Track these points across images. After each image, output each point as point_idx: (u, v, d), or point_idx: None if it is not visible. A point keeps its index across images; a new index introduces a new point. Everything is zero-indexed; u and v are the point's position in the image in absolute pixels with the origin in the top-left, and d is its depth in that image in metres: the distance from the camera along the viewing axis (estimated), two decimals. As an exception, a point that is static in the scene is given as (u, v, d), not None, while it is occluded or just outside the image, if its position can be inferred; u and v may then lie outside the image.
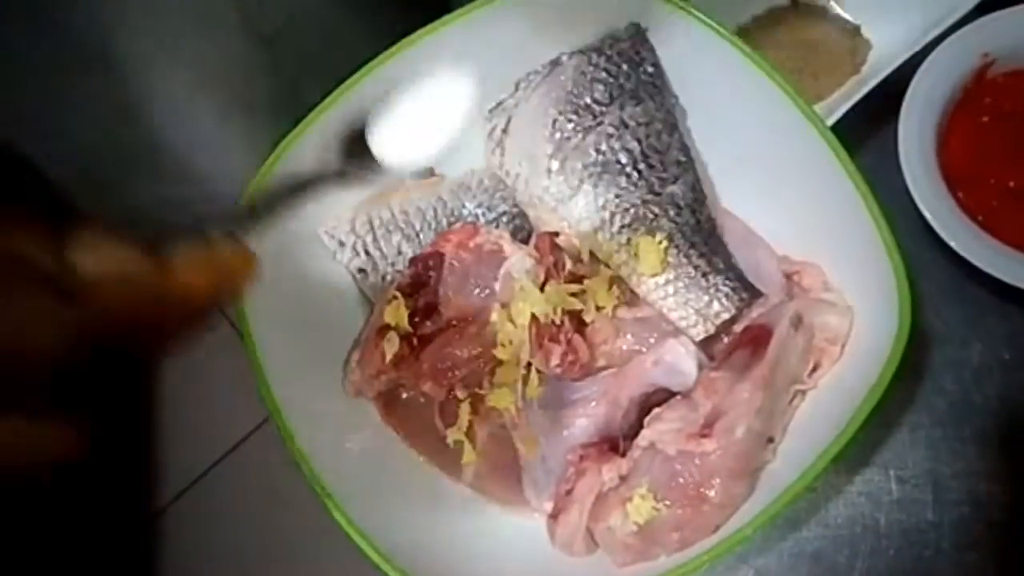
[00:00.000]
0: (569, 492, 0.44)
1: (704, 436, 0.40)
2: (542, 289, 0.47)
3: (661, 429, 0.41)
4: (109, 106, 0.42)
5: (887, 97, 0.50)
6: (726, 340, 0.46)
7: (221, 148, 0.44)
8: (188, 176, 0.47)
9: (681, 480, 0.41)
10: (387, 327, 0.46)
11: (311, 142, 0.49)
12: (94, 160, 0.45)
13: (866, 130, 0.54)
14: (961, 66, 0.50)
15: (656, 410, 0.43)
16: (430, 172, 0.54)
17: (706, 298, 0.45)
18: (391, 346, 0.45)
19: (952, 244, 0.46)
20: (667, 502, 0.41)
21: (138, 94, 0.42)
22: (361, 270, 0.50)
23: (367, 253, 0.50)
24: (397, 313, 0.46)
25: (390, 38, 0.50)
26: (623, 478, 0.43)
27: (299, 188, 0.36)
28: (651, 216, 0.47)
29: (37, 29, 0.37)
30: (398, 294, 0.47)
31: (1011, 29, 0.49)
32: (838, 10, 0.58)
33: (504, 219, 0.52)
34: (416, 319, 0.47)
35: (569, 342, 0.46)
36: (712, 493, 0.40)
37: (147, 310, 0.22)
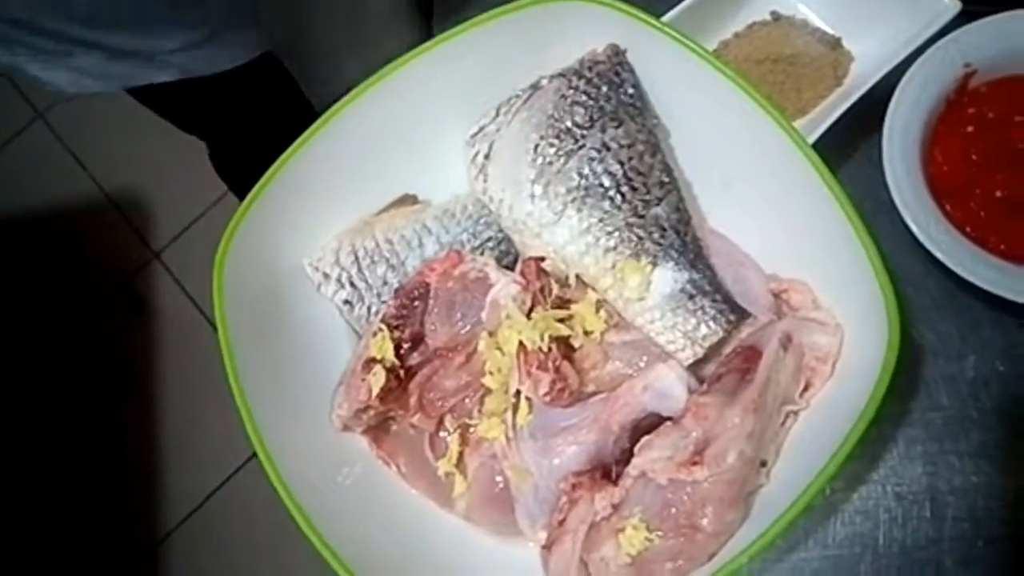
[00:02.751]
0: (562, 522, 0.43)
1: (695, 464, 0.39)
2: (529, 316, 0.46)
3: (652, 457, 0.41)
4: None
5: (871, 110, 0.50)
6: (716, 362, 0.46)
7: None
8: None
9: (673, 509, 0.40)
10: (373, 360, 0.46)
11: (291, 176, 0.49)
12: None
13: (852, 143, 0.54)
14: (943, 77, 0.49)
15: (646, 438, 0.42)
16: (414, 199, 0.54)
17: (693, 321, 0.45)
18: (377, 380, 0.45)
19: (941, 257, 0.46)
20: (660, 532, 0.40)
21: None
22: (347, 302, 0.50)
23: (352, 284, 0.50)
24: (383, 346, 0.46)
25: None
26: (616, 507, 0.42)
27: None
28: (636, 239, 0.46)
29: None
30: (383, 326, 0.46)
31: (991, 39, 0.49)
32: (819, 23, 0.57)
33: (490, 245, 0.52)
34: (403, 351, 0.47)
35: (558, 369, 0.45)
36: (705, 522, 0.39)
37: None
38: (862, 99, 0.51)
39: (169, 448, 1.29)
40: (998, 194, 0.48)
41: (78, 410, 1.32)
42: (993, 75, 0.50)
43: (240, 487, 1.26)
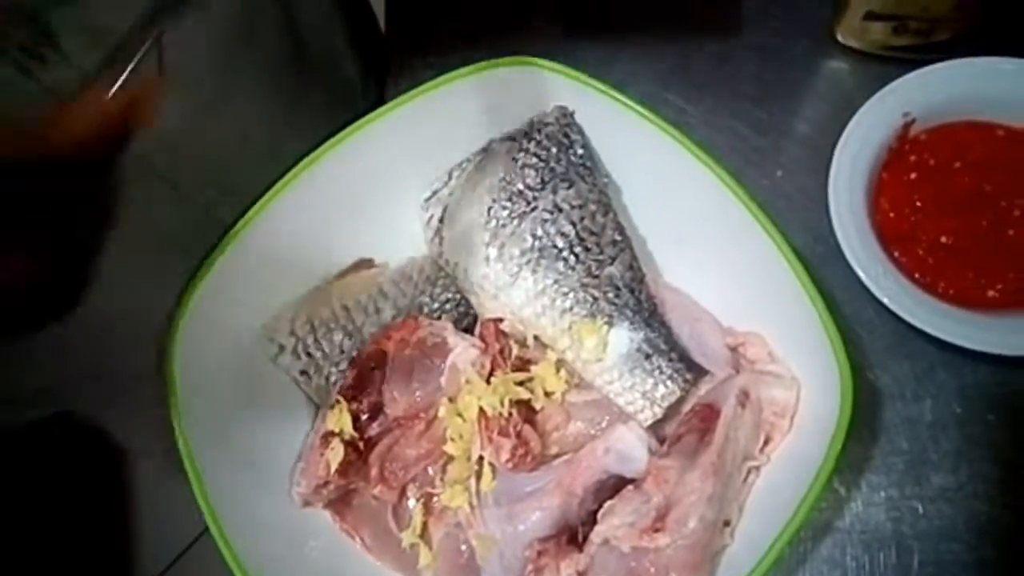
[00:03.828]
0: (528, 591, 0.43)
1: (656, 530, 0.39)
2: (489, 380, 0.46)
3: (614, 524, 0.41)
4: None
5: (817, 158, 0.51)
6: (676, 421, 0.46)
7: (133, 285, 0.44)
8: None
9: None
10: (331, 434, 0.45)
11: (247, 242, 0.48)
12: None
13: (801, 190, 0.55)
14: (884, 126, 0.50)
15: (608, 503, 0.42)
16: (370, 263, 0.54)
17: (651, 381, 0.45)
18: (335, 455, 0.44)
19: (890, 305, 0.46)
20: (625, 599, 0.40)
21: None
22: (303, 372, 0.49)
23: (308, 355, 0.49)
24: (340, 419, 0.45)
25: (311, 142, 0.49)
26: (581, 574, 0.41)
27: None
28: (591, 299, 0.47)
29: None
30: (340, 399, 0.46)
31: (928, 88, 0.50)
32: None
33: (448, 306, 0.52)
34: (361, 421, 0.46)
35: (519, 434, 0.45)
36: (670, 587, 0.39)
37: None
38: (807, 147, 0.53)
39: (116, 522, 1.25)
40: (944, 240, 0.49)
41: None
42: (932, 123, 0.51)
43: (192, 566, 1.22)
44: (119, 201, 0.42)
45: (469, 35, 0.60)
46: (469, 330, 0.51)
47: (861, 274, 0.47)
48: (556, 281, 0.47)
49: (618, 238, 0.48)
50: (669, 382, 0.44)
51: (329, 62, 0.56)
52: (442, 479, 0.47)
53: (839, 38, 0.57)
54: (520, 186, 0.49)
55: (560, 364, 0.47)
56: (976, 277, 0.48)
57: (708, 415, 0.43)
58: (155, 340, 0.47)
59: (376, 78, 0.63)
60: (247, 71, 0.46)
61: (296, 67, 0.51)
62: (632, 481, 0.44)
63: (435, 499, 0.47)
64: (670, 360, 0.45)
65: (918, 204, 0.50)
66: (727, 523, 0.42)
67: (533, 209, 0.48)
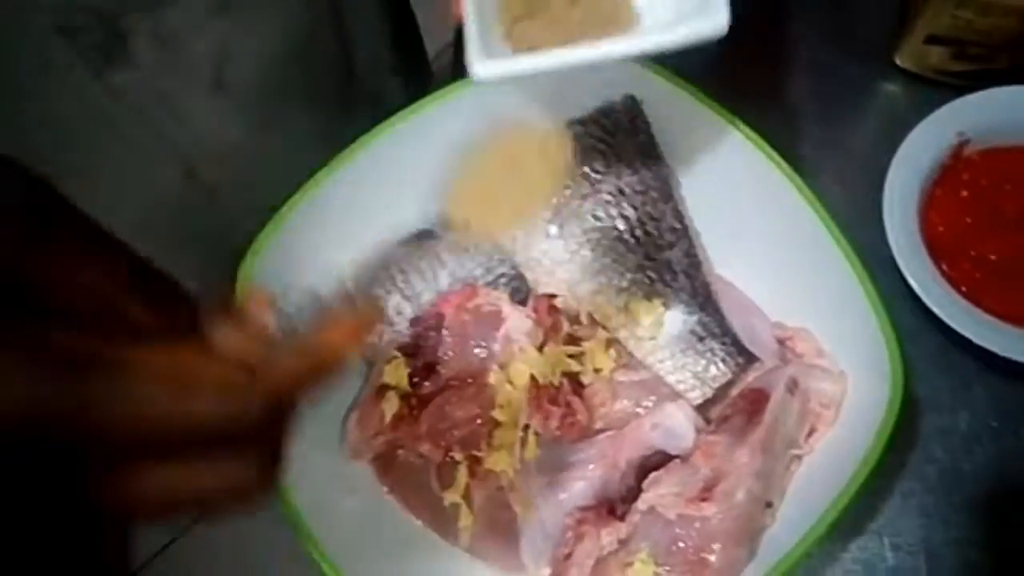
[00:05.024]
0: (568, 556, 0.43)
1: (704, 500, 0.40)
2: (540, 350, 0.47)
3: (661, 493, 0.41)
4: None
5: (871, 173, 0.53)
6: (722, 404, 0.47)
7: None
8: None
9: (681, 544, 0.40)
10: (386, 387, 0.46)
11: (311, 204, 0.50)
12: None
13: (852, 204, 0.56)
14: (938, 145, 0.52)
15: (655, 473, 0.43)
16: (430, 234, 0.55)
17: (703, 362, 0.46)
18: (391, 406, 0.45)
19: (939, 313, 0.48)
20: (667, 567, 0.41)
21: None
22: (360, 330, 0.50)
23: (367, 313, 0.50)
24: (397, 373, 0.46)
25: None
26: (622, 542, 0.42)
27: None
28: (648, 280, 0.48)
29: None
30: (398, 354, 0.47)
31: (983, 110, 0.52)
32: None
33: (502, 280, 0.53)
34: (415, 379, 0.47)
35: (568, 404, 0.46)
36: (713, 558, 0.40)
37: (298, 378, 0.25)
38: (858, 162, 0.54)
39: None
40: (992, 257, 0.50)
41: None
42: (985, 145, 0.53)
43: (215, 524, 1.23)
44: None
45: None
46: (522, 304, 0.52)
47: (912, 281, 0.49)
48: (615, 260, 0.49)
49: (677, 225, 0.50)
50: (721, 364, 0.46)
51: (375, 84, 0.58)
52: (488, 443, 0.48)
53: (897, 61, 0.59)
54: (586, 168, 0.51)
55: (610, 343, 0.48)
56: (1021, 294, 0.49)
57: (757, 398, 0.44)
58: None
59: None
60: (299, 92, 0.48)
61: (342, 89, 0.53)
62: (675, 458, 0.45)
63: (480, 462, 0.48)
64: (723, 343, 0.46)
65: (968, 221, 0.52)
66: (769, 504, 0.43)
67: (597, 191, 0.50)
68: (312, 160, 0.51)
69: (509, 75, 0.37)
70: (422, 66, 0.67)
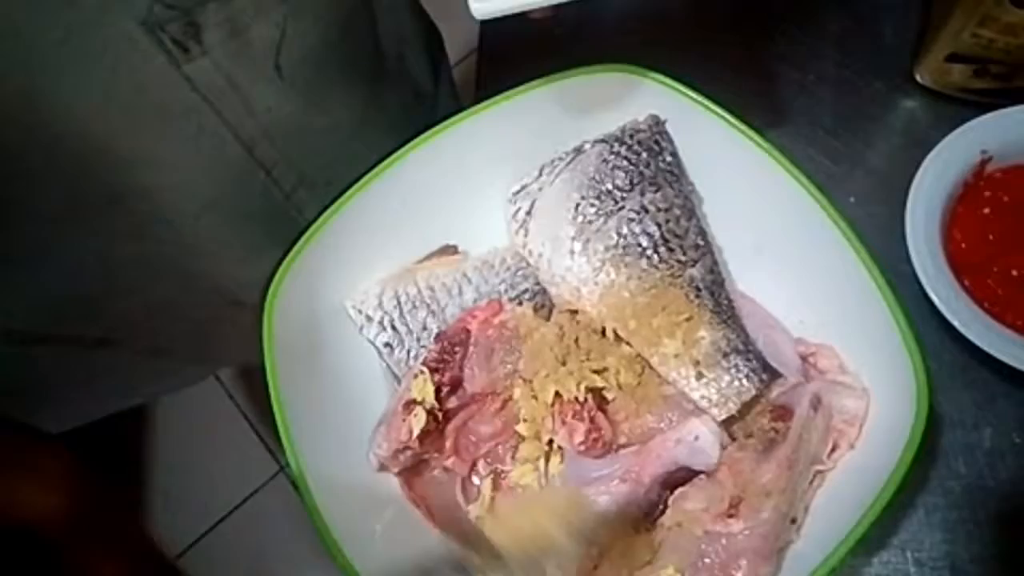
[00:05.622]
0: (593, 569, 0.44)
1: (731, 516, 0.40)
2: (564, 365, 0.48)
3: (688, 508, 0.42)
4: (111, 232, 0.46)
5: (893, 188, 0.53)
6: (745, 420, 0.47)
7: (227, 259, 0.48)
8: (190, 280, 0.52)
9: (708, 560, 0.41)
10: (413, 402, 0.47)
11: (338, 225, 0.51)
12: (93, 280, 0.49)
13: (875, 219, 0.56)
14: (961, 162, 0.52)
15: (681, 489, 0.44)
16: (454, 249, 0.56)
17: (727, 378, 0.46)
18: (418, 421, 0.46)
19: (960, 328, 0.48)
20: (694, 582, 0.41)
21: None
22: (387, 345, 0.51)
23: (393, 328, 0.51)
24: (424, 388, 0.47)
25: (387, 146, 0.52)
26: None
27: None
28: (672, 297, 0.48)
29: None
30: (425, 369, 0.48)
31: (1006, 128, 0.52)
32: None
33: (526, 296, 0.54)
34: (442, 394, 0.48)
35: (592, 419, 0.46)
36: (739, 574, 0.40)
37: None
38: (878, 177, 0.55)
39: (187, 465, 1.29)
40: (1014, 273, 0.50)
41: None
42: (1008, 162, 0.53)
43: (231, 531, 1.24)
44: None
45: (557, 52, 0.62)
46: (546, 320, 0.52)
47: (934, 297, 0.49)
48: (639, 277, 0.49)
49: (700, 243, 0.50)
50: (745, 380, 0.46)
51: (400, 60, 0.60)
52: (513, 457, 0.48)
53: (917, 78, 0.59)
54: (609, 186, 0.51)
55: (634, 358, 0.49)
56: (1043, 311, 0.50)
57: (782, 415, 0.44)
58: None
59: (449, 91, 0.67)
60: (339, 71, 0.50)
61: (373, 65, 0.54)
62: (699, 474, 0.45)
63: (504, 476, 0.48)
64: (747, 360, 0.47)
65: (990, 238, 0.52)
66: (793, 520, 0.43)
67: (620, 208, 0.51)
68: (350, 137, 0.53)
69: (506, 10, 0.38)
70: (439, 38, 0.69)
